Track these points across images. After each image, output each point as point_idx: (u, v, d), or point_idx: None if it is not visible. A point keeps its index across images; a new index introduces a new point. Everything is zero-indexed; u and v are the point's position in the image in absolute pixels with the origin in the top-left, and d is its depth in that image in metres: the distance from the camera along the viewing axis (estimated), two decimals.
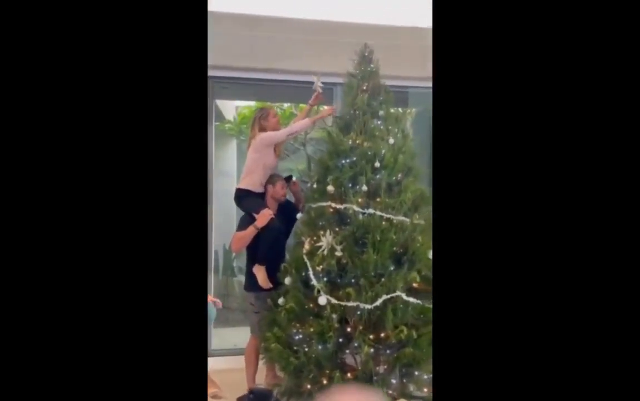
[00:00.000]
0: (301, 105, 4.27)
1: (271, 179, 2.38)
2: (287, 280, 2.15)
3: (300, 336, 2.00)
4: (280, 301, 2.18)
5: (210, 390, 1.74)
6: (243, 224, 2.32)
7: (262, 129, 2.34)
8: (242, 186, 2.36)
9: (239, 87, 3.47)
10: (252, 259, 2.32)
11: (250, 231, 2.23)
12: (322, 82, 2.54)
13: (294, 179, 2.56)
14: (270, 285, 2.26)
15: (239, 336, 3.38)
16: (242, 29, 2.99)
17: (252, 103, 4.24)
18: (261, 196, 2.37)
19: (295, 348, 1.99)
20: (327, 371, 1.90)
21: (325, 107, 2.43)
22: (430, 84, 3.39)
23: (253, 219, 2.26)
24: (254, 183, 2.34)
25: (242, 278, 4.19)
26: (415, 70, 3.14)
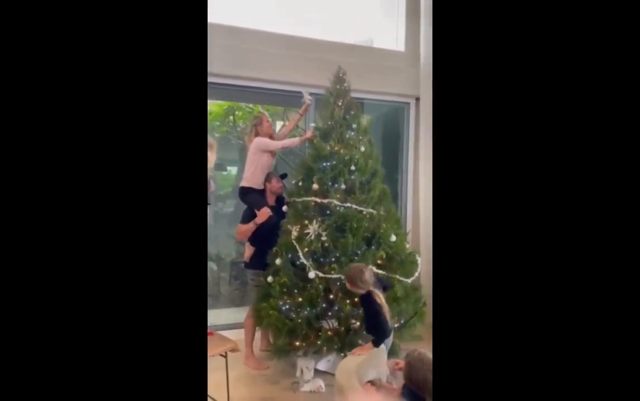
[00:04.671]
0: (267, 106, 4.67)
1: (268, 177, 2.83)
2: (278, 261, 2.61)
3: (292, 305, 2.49)
4: (269, 279, 2.64)
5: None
6: (246, 217, 2.77)
7: (257, 134, 2.80)
8: (245, 184, 2.79)
9: (211, 90, 3.78)
10: (250, 242, 2.80)
11: (251, 227, 2.70)
12: (299, 92, 3.04)
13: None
14: (247, 260, 2.81)
15: (210, 319, 3.74)
16: (216, 38, 3.28)
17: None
18: (262, 192, 2.81)
19: (288, 314, 2.48)
20: (316, 330, 2.43)
21: (308, 131, 2.90)
22: (382, 97, 4.03)
23: (254, 214, 2.70)
24: (255, 181, 2.78)
25: (212, 266, 4.52)
26: (370, 84, 3.71)
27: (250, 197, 2.76)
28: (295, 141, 2.88)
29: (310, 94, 3.05)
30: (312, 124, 2.93)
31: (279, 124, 4.48)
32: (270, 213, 2.69)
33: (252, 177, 2.78)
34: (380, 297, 2.09)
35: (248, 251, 2.81)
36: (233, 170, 5.03)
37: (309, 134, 2.84)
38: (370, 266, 2.27)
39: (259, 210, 2.69)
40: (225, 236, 4.60)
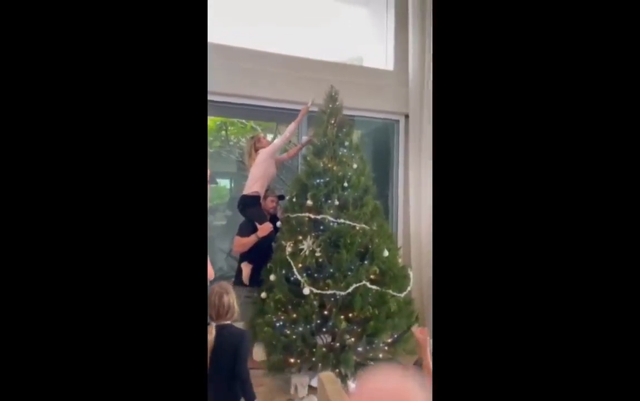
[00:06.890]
0: (258, 122, 4.72)
1: (265, 193, 2.83)
2: (272, 277, 2.63)
3: (286, 321, 2.50)
4: (263, 295, 2.65)
5: None
6: (245, 230, 2.72)
7: (257, 150, 2.82)
8: (254, 189, 2.70)
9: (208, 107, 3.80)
10: (244, 258, 2.76)
11: (252, 239, 2.67)
12: (292, 109, 3.10)
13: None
14: (245, 279, 2.74)
15: None
16: (213, 57, 3.33)
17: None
18: (261, 205, 2.81)
19: (282, 330, 2.49)
20: (311, 346, 2.44)
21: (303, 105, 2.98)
22: (372, 114, 4.13)
23: (254, 227, 2.69)
24: (261, 189, 2.75)
25: None
26: (361, 101, 3.80)
27: (251, 210, 2.74)
28: (291, 126, 2.87)
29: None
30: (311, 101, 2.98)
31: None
32: (272, 228, 2.70)
33: (260, 186, 2.74)
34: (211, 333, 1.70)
35: (246, 269, 2.76)
36: (223, 183, 5.04)
37: (304, 109, 2.93)
38: (228, 298, 1.83)
39: (260, 223, 2.68)
40: (217, 250, 4.59)
